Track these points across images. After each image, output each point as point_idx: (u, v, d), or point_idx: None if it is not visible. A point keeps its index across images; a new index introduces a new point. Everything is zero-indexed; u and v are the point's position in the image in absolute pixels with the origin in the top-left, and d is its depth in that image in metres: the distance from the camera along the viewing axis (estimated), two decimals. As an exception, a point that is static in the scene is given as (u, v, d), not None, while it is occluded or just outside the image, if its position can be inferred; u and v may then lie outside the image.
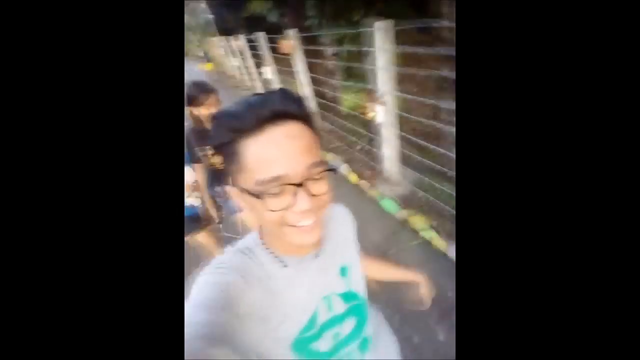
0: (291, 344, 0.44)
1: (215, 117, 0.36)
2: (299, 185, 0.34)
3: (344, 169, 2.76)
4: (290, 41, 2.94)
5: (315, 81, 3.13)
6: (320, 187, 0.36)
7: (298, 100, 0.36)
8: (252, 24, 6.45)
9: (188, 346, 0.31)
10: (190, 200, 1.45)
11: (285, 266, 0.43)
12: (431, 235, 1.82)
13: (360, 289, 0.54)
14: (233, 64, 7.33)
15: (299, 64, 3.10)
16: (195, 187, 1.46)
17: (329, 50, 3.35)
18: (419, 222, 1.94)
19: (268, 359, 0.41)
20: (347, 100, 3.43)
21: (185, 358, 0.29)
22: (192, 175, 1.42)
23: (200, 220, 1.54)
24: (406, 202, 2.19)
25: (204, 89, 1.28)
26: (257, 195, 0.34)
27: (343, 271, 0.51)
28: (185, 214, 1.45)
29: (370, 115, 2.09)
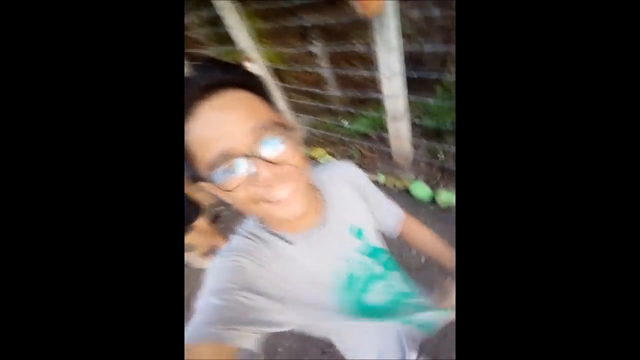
0: (338, 299, 0.44)
1: None
2: (250, 155, 0.31)
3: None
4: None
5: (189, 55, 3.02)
6: (280, 152, 0.33)
7: (228, 67, 0.33)
8: None
9: (210, 334, 0.31)
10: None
11: (290, 244, 0.42)
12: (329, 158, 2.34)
13: (381, 243, 0.53)
14: None
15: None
16: None
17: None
18: (319, 152, 2.45)
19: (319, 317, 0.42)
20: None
21: (204, 342, 0.30)
22: None
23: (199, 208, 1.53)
24: (307, 142, 2.56)
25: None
26: (211, 179, 0.32)
27: (359, 233, 0.49)
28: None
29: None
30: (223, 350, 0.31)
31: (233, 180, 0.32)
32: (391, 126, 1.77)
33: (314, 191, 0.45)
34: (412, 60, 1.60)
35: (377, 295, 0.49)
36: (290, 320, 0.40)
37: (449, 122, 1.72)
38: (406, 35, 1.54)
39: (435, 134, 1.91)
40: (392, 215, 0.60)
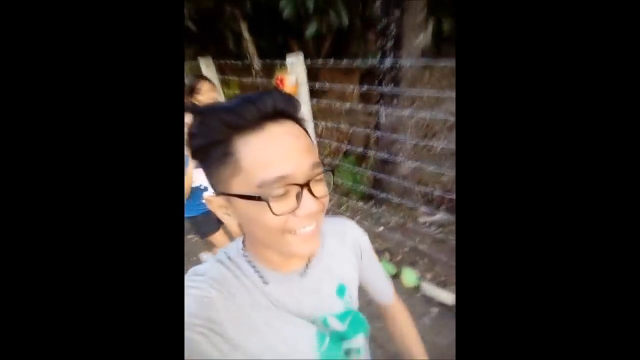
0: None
1: (205, 112, 0.32)
2: (304, 185, 0.32)
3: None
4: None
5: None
6: (322, 188, 0.35)
7: (294, 102, 0.34)
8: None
9: None
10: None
11: (265, 283, 0.40)
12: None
13: (356, 305, 0.50)
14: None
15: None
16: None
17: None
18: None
19: None
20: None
21: None
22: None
23: (217, 220, 1.49)
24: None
25: (199, 77, 1.43)
26: (259, 198, 0.31)
27: (340, 290, 0.46)
28: (201, 212, 1.43)
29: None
30: None
31: (282, 206, 0.32)
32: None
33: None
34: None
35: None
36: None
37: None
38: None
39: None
40: (385, 292, 0.59)
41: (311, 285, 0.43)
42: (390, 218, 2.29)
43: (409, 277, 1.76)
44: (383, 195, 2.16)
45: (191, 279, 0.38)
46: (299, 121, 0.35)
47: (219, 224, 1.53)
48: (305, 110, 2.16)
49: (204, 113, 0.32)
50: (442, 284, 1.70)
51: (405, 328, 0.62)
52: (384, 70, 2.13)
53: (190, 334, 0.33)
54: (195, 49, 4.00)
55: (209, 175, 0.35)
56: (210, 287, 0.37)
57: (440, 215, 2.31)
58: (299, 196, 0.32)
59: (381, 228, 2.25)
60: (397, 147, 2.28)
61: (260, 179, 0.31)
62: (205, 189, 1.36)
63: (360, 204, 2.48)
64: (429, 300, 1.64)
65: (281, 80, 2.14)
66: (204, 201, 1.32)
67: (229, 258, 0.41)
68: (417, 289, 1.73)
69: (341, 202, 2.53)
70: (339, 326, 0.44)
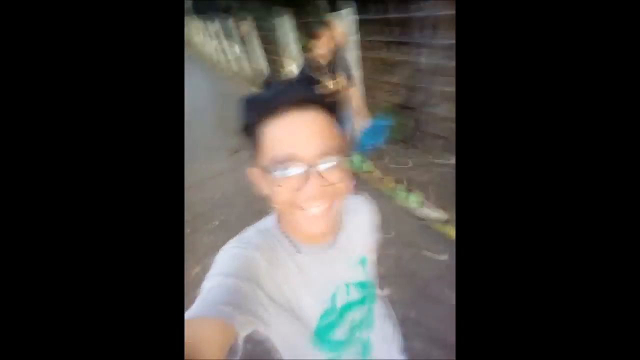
0: (313, 333, 0.46)
1: (246, 101, 0.38)
2: (310, 167, 0.35)
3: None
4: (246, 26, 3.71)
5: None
6: (334, 175, 0.37)
7: (319, 93, 0.37)
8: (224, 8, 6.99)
9: (215, 310, 0.32)
10: None
11: (298, 252, 0.45)
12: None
13: (373, 277, 0.56)
14: (237, 51, 7.86)
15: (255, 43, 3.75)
16: None
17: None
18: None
19: (290, 341, 0.46)
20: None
21: (213, 319, 0.31)
22: None
23: None
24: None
25: (323, 23, 1.56)
26: (270, 171, 0.36)
27: (363, 261, 0.53)
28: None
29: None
30: (227, 330, 0.32)
31: (286, 180, 0.36)
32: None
33: (339, 214, 0.47)
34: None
35: (343, 329, 0.50)
36: (272, 325, 0.41)
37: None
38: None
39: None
40: None
41: (338, 256, 0.48)
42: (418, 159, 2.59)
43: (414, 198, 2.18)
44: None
45: (238, 243, 0.43)
46: (326, 109, 0.38)
47: None
48: (353, 59, 2.51)
49: (245, 100, 0.38)
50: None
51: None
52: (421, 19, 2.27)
53: (242, 283, 0.37)
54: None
55: (251, 150, 0.40)
56: (254, 249, 0.42)
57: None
58: (306, 177, 0.35)
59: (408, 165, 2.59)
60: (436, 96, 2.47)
61: (272, 155, 0.36)
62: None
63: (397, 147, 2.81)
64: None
65: (330, 25, 2.46)
66: None
67: (267, 229, 0.46)
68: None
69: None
70: (357, 295, 0.51)
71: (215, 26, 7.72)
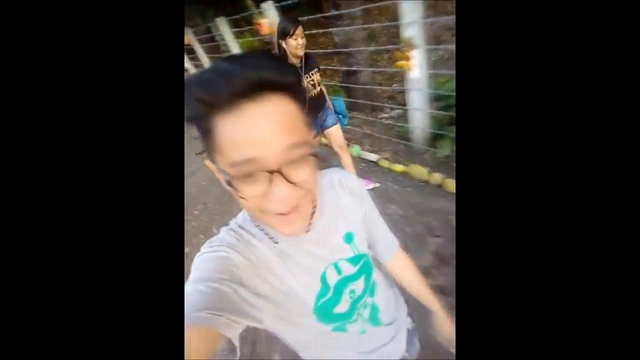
0: (312, 311, 0.45)
1: (187, 84, 0.30)
2: (275, 171, 0.31)
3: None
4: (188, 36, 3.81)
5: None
6: (301, 173, 0.33)
7: (282, 67, 0.31)
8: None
9: (196, 318, 0.31)
10: None
11: (276, 242, 0.43)
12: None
13: (366, 249, 0.53)
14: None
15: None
16: None
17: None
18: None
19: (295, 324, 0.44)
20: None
21: (191, 327, 0.30)
22: None
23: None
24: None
25: (291, 21, 1.47)
26: (228, 183, 0.32)
27: (348, 237, 0.50)
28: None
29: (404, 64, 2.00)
30: (209, 336, 0.31)
31: (250, 189, 0.32)
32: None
33: (312, 202, 0.43)
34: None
35: (344, 303, 0.49)
36: (265, 318, 0.41)
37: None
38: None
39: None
40: (389, 246, 0.62)
41: (318, 238, 0.46)
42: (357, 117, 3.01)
43: (355, 150, 2.63)
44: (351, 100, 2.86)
45: (210, 246, 0.41)
46: (287, 91, 0.31)
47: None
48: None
49: (188, 83, 0.30)
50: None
51: (415, 273, 0.65)
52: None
53: (219, 286, 0.35)
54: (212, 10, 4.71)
55: (204, 144, 0.34)
56: (228, 249, 0.40)
57: (396, 112, 2.95)
58: (271, 180, 0.31)
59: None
60: (354, 59, 2.87)
61: (231, 159, 0.30)
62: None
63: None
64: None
65: (260, 25, 2.85)
66: None
67: (240, 226, 0.44)
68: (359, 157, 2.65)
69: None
70: (350, 269, 0.49)
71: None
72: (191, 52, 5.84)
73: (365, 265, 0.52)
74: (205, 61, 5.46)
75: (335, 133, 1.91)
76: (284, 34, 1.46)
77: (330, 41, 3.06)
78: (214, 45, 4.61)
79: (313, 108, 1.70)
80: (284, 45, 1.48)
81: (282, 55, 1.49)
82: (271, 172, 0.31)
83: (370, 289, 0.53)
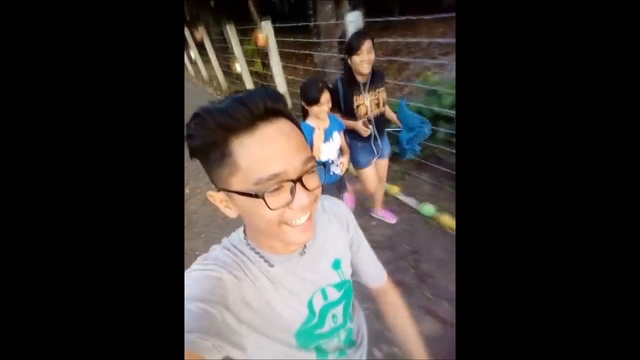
0: (295, 335, 0.46)
1: (198, 115, 0.33)
2: (297, 181, 0.34)
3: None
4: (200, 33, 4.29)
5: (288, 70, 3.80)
6: (314, 181, 0.37)
7: (282, 98, 0.36)
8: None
9: (187, 337, 0.31)
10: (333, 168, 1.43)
11: (271, 266, 0.44)
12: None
13: (350, 275, 0.55)
14: (192, 56, 7.78)
15: (274, 56, 3.49)
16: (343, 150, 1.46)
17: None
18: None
19: (271, 351, 0.43)
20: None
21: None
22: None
23: (341, 189, 1.58)
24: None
25: (358, 36, 1.33)
26: (255, 195, 0.33)
27: (336, 264, 0.52)
28: (329, 181, 1.47)
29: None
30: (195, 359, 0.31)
31: (277, 201, 0.34)
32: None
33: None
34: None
35: (327, 326, 0.50)
36: (248, 345, 0.41)
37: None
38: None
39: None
40: (375, 276, 0.63)
41: (310, 263, 0.48)
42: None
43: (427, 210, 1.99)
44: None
45: (203, 263, 0.41)
46: (289, 117, 0.37)
47: (340, 195, 1.59)
48: (274, 55, 3.49)
49: (199, 115, 0.33)
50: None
51: (402, 309, 0.62)
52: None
53: (208, 308, 0.36)
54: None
55: (209, 172, 0.36)
56: (221, 268, 0.40)
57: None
58: (292, 191, 0.35)
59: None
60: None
61: (256, 177, 0.33)
62: (332, 162, 1.42)
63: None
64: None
65: (257, 37, 3.51)
66: (330, 173, 1.39)
67: (234, 246, 0.45)
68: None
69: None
70: (335, 295, 0.51)
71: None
72: (202, 47, 6.49)
73: (347, 291, 0.54)
74: (213, 57, 6.08)
75: (384, 165, 1.76)
76: (348, 50, 1.37)
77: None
78: (224, 46, 5.24)
79: (378, 129, 1.54)
80: (349, 62, 1.39)
81: (348, 72, 1.42)
82: (294, 181, 0.34)
83: (349, 315, 0.55)
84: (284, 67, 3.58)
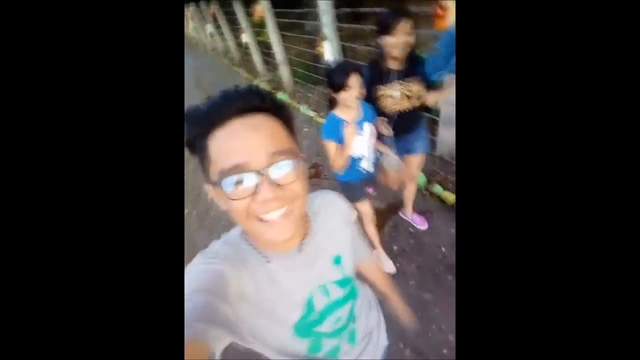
0: (293, 327, 0.46)
1: (188, 112, 0.37)
2: (259, 173, 0.34)
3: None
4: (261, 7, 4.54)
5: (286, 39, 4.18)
6: (287, 177, 0.37)
7: (263, 96, 0.37)
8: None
9: (193, 330, 0.32)
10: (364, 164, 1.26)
11: (268, 262, 0.44)
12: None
13: (352, 272, 0.56)
14: (208, 30, 8.43)
15: (270, 26, 3.89)
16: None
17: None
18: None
19: (270, 342, 0.45)
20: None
21: (189, 338, 0.30)
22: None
23: (368, 186, 1.48)
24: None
25: (393, 14, 1.06)
26: (215, 184, 0.35)
27: (337, 260, 0.52)
28: (359, 178, 1.30)
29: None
30: (201, 349, 0.32)
31: (238, 192, 0.35)
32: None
33: (304, 217, 0.48)
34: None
35: (327, 325, 0.50)
36: (247, 338, 0.42)
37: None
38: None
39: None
40: (365, 256, 0.70)
41: (309, 260, 0.48)
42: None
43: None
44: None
45: (205, 257, 0.43)
46: (272, 112, 0.38)
47: (366, 193, 1.44)
48: (270, 25, 4.03)
49: (186, 113, 0.36)
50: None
51: (383, 276, 0.77)
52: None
53: (207, 297, 0.37)
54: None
55: (200, 165, 0.38)
56: (222, 262, 0.42)
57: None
58: (257, 184, 0.35)
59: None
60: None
61: (220, 168, 0.35)
62: (362, 157, 1.22)
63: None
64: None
65: (253, 10, 3.99)
66: (359, 169, 1.22)
67: (234, 241, 0.46)
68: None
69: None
70: (337, 292, 0.51)
71: (189, 10, 9.12)
72: (215, 20, 7.08)
73: (352, 290, 0.55)
74: (226, 30, 6.66)
75: (416, 161, 1.51)
76: (380, 29, 1.11)
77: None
78: (235, 17, 5.83)
79: (402, 126, 1.29)
80: (381, 43, 1.12)
81: (379, 57, 1.17)
82: (256, 173, 0.34)
83: (353, 317, 0.56)
84: (283, 37, 4.11)
